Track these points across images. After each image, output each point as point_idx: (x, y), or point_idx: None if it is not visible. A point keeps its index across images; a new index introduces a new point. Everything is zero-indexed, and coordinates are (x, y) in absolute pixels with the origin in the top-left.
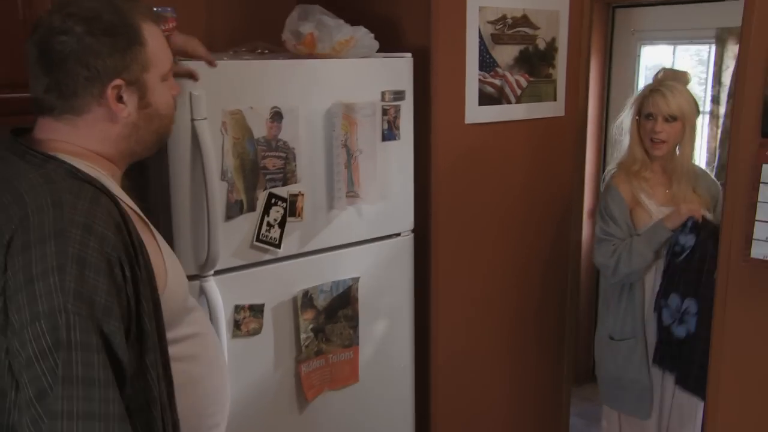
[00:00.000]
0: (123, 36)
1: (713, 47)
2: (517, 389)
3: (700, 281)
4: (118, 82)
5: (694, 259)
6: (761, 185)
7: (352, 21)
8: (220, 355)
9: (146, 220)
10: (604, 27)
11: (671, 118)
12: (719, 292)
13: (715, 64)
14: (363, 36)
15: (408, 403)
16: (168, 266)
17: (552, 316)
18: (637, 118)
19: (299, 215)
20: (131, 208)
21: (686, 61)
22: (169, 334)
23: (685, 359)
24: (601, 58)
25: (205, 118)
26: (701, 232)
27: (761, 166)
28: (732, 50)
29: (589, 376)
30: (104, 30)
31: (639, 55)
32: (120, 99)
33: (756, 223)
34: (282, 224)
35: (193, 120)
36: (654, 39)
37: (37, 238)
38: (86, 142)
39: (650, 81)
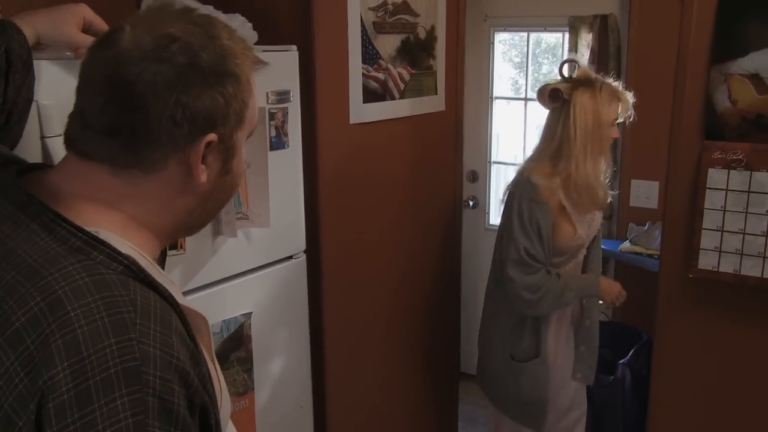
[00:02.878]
0: (232, 78)
1: (566, 35)
2: (411, 402)
3: None
4: (212, 136)
5: None
6: (707, 191)
7: (217, 7)
8: None
9: (202, 316)
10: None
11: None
12: (661, 307)
13: (570, 51)
14: (240, 26)
15: None
16: (219, 376)
17: (441, 320)
18: None
19: (181, 247)
20: (185, 306)
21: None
22: None
23: None
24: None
25: (59, 135)
26: None
27: (707, 171)
28: (585, 38)
29: None
30: (212, 66)
31: (492, 42)
32: (203, 159)
33: (703, 231)
34: (162, 259)
35: (43, 137)
36: (507, 25)
37: (100, 382)
38: (140, 211)
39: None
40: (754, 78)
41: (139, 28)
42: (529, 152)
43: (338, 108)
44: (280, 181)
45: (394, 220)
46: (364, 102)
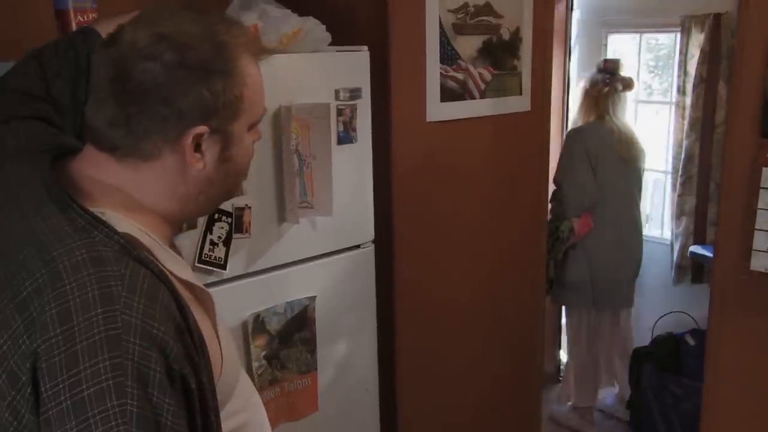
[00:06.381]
0: (221, 74)
1: (679, 36)
2: (487, 401)
3: None
4: (201, 129)
5: None
6: (761, 190)
7: (300, 11)
8: (264, 419)
9: (205, 290)
10: (564, 15)
11: None
12: (714, 307)
13: (681, 53)
14: (313, 27)
15: (374, 429)
16: (223, 348)
17: (524, 321)
18: None
19: (246, 231)
20: (186, 281)
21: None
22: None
23: None
24: (561, 48)
25: None
26: None
27: (761, 170)
28: (696, 38)
29: (554, 378)
30: (200, 63)
31: (605, 44)
32: (197, 148)
33: (756, 232)
34: (227, 242)
35: None
36: (621, 26)
37: (86, 347)
38: (146, 195)
39: None
40: None
41: (138, 27)
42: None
43: (414, 106)
44: (347, 173)
45: (471, 222)
46: (441, 101)
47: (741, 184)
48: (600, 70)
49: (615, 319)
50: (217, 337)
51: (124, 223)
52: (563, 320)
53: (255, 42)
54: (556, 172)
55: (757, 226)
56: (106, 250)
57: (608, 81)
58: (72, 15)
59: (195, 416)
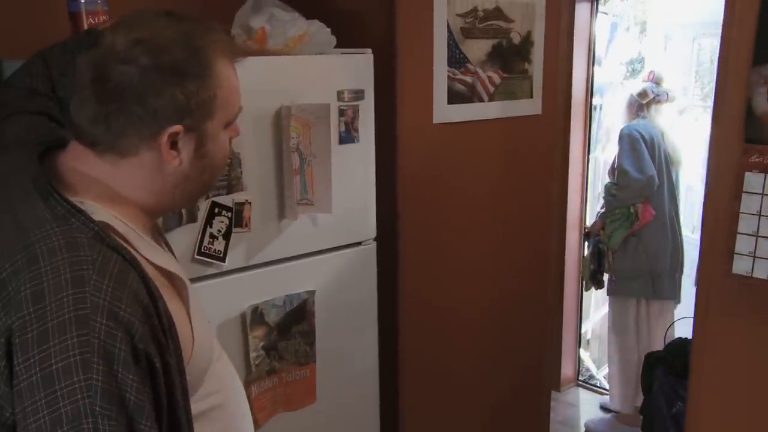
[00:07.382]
0: (194, 77)
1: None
2: (493, 401)
3: None
4: (176, 128)
5: None
6: (744, 195)
7: (310, 14)
8: (242, 402)
9: (179, 277)
10: (588, 19)
11: None
12: (699, 309)
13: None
14: (318, 31)
15: (373, 422)
16: (195, 330)
17: (530, 324)
18: None
19: (246, 225)
20: (161, 267)
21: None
22: (193, 399)
23: None
24: (585, 52)
25: None
26: None
27: (744, 174)
28: None
29: (573, 380)
30: (174, 66)
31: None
32: (173, 145)
33: (738, 236)
34: (227, 235)
35: None
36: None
37: (56, 325)
38: (124, 187)
39: None
40: None
41: (118, 31)
42: None
43: (421, 108)
44: (349, 172)
45: (478, 224)
46: (449, 103)
47: (724, 188)
48: (645, 81)
49: (662, 315)
50: (190, 320)
51: (101, 212)
52: (586, 324)
53: (231, 45)
54: (618, 163)
55: (739, 230)
56: (81, 237)
57: (653, 90)
58: (84, 17)
59: (160, 394)
